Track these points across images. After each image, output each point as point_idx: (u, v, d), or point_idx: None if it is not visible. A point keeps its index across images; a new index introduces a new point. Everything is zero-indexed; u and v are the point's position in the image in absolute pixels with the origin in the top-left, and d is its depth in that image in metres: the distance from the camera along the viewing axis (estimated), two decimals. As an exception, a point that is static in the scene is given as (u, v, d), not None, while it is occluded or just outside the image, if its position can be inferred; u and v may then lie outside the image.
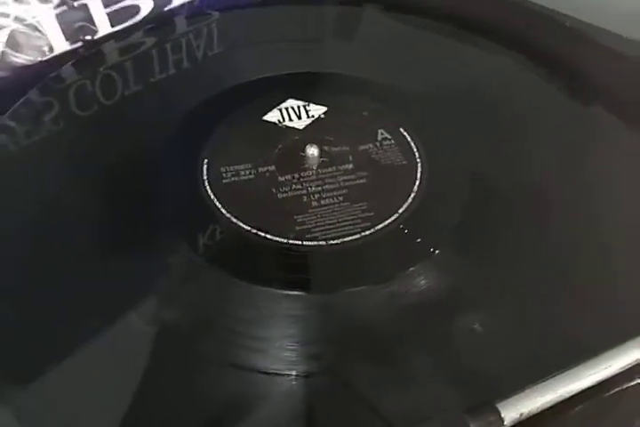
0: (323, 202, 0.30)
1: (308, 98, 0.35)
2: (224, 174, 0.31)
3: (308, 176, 0.31)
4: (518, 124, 0.34)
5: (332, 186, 0.31)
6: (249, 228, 0.28)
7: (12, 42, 0.35)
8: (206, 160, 0.32)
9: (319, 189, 0.30)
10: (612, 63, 0.37)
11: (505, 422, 0.20)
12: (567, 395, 0.21)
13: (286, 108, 0.35)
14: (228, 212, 0.29)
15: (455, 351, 0.24)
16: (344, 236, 0.28)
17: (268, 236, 0.28)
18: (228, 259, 0.27)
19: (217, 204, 0.30)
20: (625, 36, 0.38)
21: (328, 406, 0.23)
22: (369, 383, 0.23)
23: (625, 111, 0.34)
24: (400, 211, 0.29)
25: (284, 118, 0.34)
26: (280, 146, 0.33)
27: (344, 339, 0.25)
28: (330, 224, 0.29)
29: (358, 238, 0.28)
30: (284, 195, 0.30)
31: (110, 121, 0.35)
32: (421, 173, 0.31)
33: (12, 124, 0.34)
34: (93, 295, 0.26)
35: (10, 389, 0.23)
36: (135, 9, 0.39)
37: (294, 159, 0.32)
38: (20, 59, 0.36)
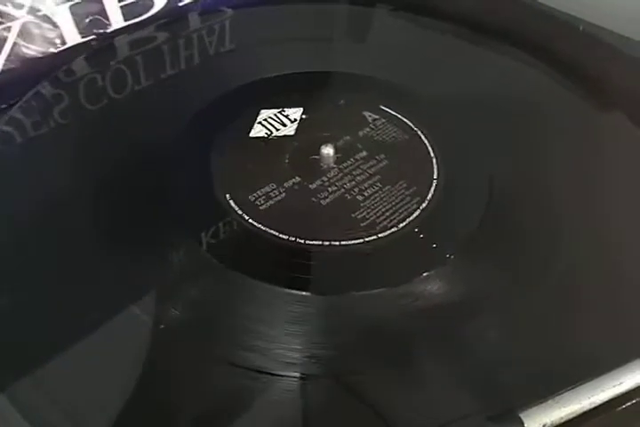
0: (366, 193, 0.30)
1: (280, 104, 0.35)
2: (257, 202, 0.30)
3: (334, 175, 0.31)
4: (527, 124, 0.34)
5: (362, 177, 0.30)
6: (320, 242, 0.28)
7: (24, 33, 0.34)
8: (228, 195, 0.30)
9: (353, 183, 0.30)
10: (627, 67, 0.36)
11: (528, 433, 0.20)
12: (591, 406, 0.21)
13: (265, 120, 0.34)
14: (287, 235, 0.28)
15: (465, 359, 0.24)
16: (407, 216, 0.29)
17: (343, 242, 0.28)
18: (312, 275, 0.27)
19: (271, 232, 0.28)
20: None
21: (330, 410, 0.22)
22: (377, 388, 0.23)
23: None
24: (435, 177, 0.30)
25: (270, 131, 0.33)
26: (287, 156, 0.32)
27: (357, 342, 0.24)
28: (388, 210, 0.29)
29: (419, 214, 0.29)
30: (327, 200, 0.30)
31: (119, 116, 0.34)
32: (428, 140, 0.32)
33: (20, 116, 0.33)
34: (113, 290, 0.26)
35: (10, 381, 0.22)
36: (149, 3, 0.39)
37: (310, 164, 0.31)
38: (32, 50, 0.35)
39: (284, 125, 0.34)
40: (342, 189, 0.30)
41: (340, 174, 0.31)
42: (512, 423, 0.20)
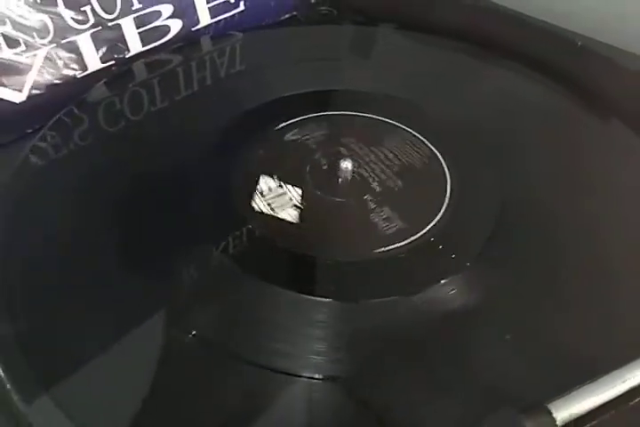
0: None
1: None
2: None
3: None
4: (534, 139, 0.35)
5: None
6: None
7: (48, 60, 0.36)
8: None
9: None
10: (628, 81, 0.38)
11: (557, 423, 0.21)
12: (615, 395, 0.22)
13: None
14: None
15: (481, 364, 0.25)
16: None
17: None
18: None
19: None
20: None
21: (347, 412, 0.23)
22: (392, 392, 0.24)
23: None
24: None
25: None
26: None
27: (375, 347, 0.25)
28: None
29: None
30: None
31: (140, 137, 0.36)
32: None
33: (45, 141, 0.34)
34: (139, 301, 0.27)
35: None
36: (165, 29, 0.40)
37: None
38: (55, 77, 0.37)
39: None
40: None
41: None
42: (542, 414, 0.21)
